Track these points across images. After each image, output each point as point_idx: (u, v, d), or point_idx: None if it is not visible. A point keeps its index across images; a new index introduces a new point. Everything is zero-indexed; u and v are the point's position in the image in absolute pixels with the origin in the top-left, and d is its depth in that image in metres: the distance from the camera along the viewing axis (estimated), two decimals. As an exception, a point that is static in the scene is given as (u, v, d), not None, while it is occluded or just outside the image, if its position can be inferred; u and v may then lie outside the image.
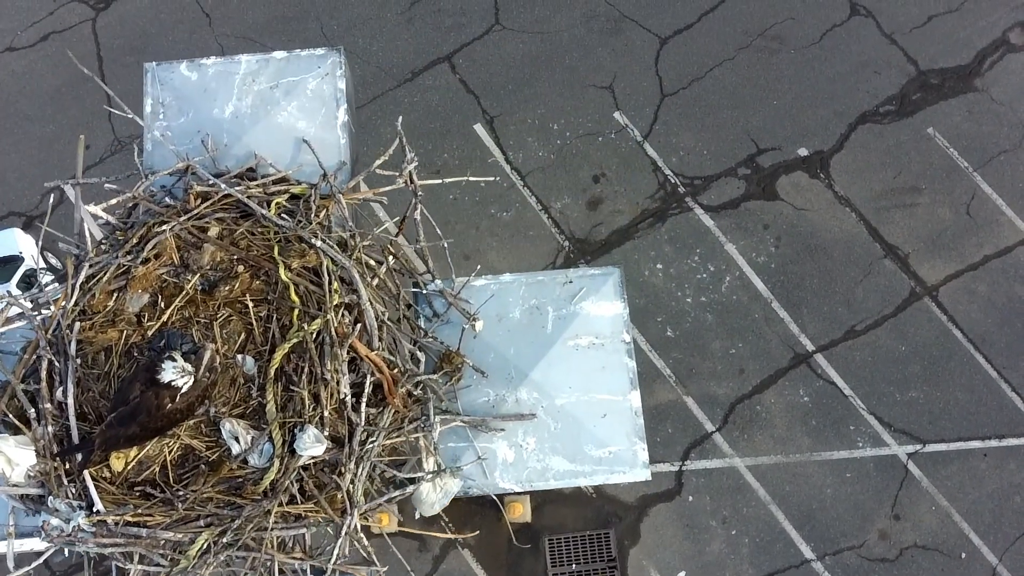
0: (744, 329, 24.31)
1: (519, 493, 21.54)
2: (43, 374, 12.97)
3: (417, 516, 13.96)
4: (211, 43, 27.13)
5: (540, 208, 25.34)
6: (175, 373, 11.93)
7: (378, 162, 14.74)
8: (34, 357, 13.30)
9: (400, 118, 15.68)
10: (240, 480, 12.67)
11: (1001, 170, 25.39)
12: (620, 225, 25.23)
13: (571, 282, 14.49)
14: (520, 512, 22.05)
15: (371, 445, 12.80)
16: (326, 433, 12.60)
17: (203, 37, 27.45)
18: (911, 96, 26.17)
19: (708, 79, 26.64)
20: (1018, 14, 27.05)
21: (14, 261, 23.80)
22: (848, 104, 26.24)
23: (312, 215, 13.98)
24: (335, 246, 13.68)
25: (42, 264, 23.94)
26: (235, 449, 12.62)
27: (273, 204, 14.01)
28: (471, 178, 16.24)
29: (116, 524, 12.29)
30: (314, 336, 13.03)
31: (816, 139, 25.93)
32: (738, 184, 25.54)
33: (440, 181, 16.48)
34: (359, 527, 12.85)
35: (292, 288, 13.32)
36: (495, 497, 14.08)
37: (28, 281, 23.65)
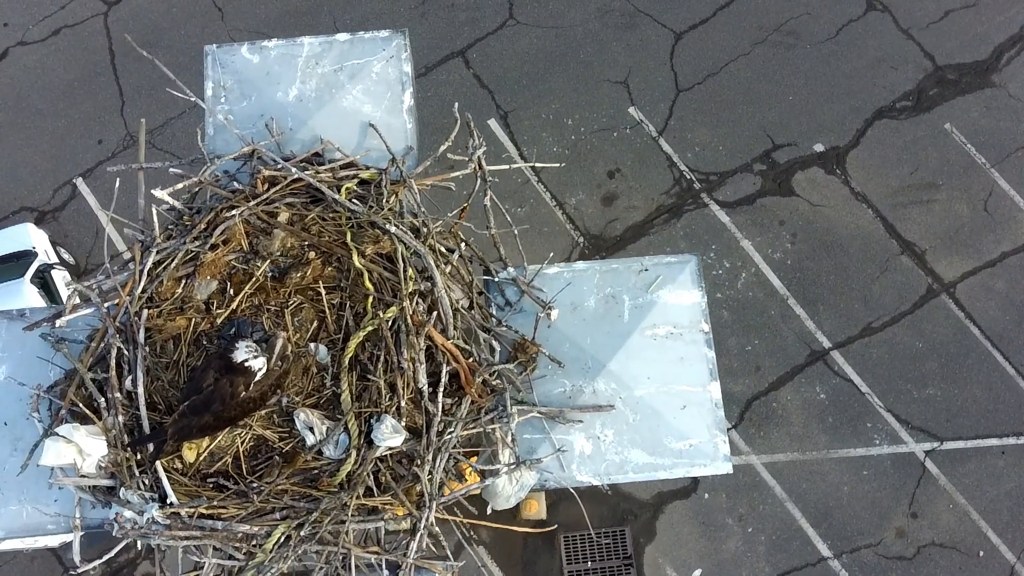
0: (760, 326, 24.23)
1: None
2: (112, 362, 12.57)
3: (489, 511, 13.71)
4: (223, 37, 26.64)
5: (555, 204, 25.13)
6: (248, 352, 11.63)
7: (444, 147, 14.46)
8: (102, 345, 12.96)
9: (456, 104, 15.45)
10: (315, 472, 12.36)
11: (1019, 166, 25.43)
12: (635, 221, 25.10)
13: (647, 270, 14.17)
14: (535, 509, 21.88)
15: (449, 436, 12.48)
16: (403, 423, 12.31)
17: (215, 31, 27.14)
18: (928, 92, 26.17)
19: (723, 74, 26.56)
20: (1035, 9, 27.17)
21: (27, 256, 23.43)
22: (864, 100, 26.20)
23: (384, 200, 13.68)
24: (408, 232, 13.39)
25: (54, 259, 23.73)
26: (309, 440, 12.31)
27: (343, 189, 13.69)
28: (537, 164, 16.09)
29: (190, 516, 11.96)
30: (389, 324, 12.74)
31: (832, 135, 25.88)
32: (754, 180, 25.46)
33: (508, 167, 16.28)
34: (435, 521, 12.61)
35: (366, 275, 13.02)
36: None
37: (41, 276, 23.24)
